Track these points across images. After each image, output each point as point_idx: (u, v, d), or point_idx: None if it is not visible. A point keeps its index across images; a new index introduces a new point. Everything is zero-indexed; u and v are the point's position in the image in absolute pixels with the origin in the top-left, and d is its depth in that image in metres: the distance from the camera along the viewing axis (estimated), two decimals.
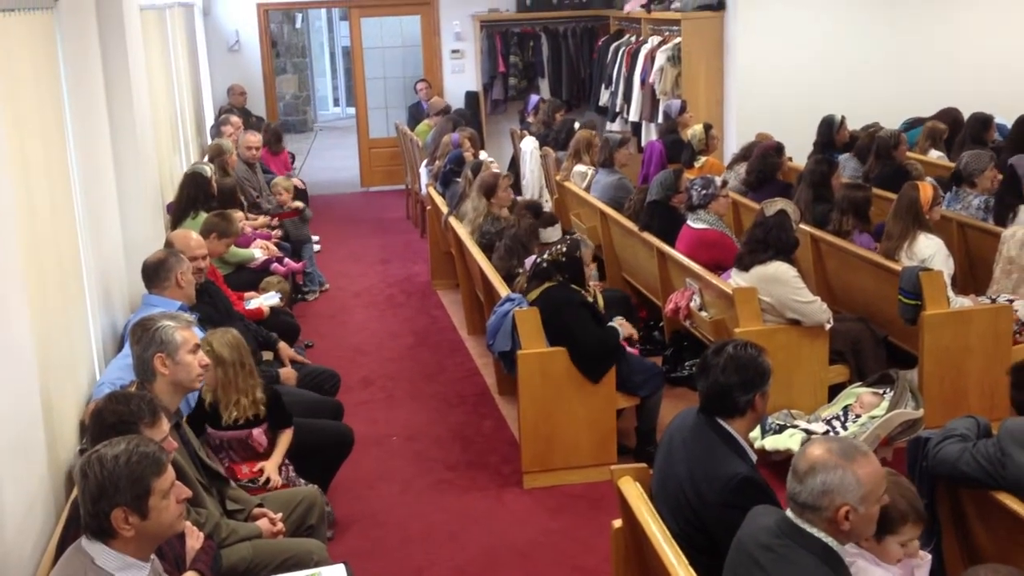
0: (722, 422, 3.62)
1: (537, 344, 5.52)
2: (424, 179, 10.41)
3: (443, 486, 5.70)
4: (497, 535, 5.17)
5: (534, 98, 12.53)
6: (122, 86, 6.06)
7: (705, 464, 3.54)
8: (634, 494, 3.61)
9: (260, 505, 4.16)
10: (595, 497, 5.42)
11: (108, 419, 3.39)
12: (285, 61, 20.97)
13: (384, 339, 8.15)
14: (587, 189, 8.87)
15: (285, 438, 4.75)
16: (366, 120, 14.49)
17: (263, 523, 4.03)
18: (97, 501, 2.81)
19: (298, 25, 21.72)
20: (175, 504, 2.93)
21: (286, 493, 4.45)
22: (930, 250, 6.08)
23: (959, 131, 9.17)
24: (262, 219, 8.87)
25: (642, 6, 12.33)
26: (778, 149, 8.39)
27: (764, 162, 8.20)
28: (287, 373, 5.76)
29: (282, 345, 6.19)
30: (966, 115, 9.28)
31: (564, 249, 5.73)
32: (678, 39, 11.20)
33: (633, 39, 12.49)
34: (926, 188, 6.29)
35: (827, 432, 5.27)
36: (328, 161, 17.26)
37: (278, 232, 8.71)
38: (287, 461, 4.74)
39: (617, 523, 3.76)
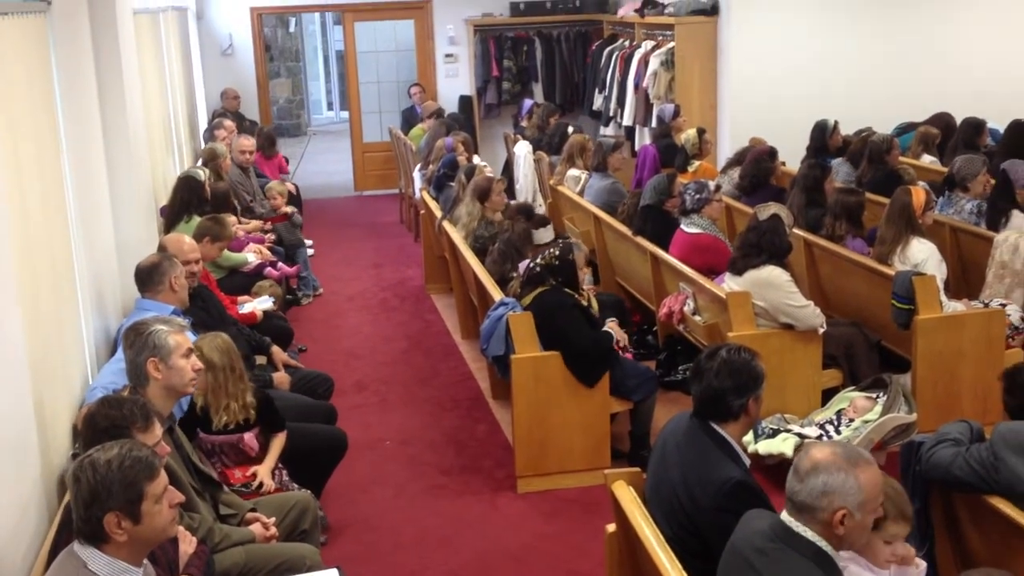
0: (716, 426, 3.62)
1: (531, 348, 5.52)
2: (418, 183, 10.41)
3: (437, 490, 5.69)
4: (491, 539, 5.17)
5: (528, 102, 12.54)
6: (115, 90, 6.05)
7: (699, 468, 3.54)
8: (628, 498, 3.61)
9: (253, 510, 4.15)
10: (589, 501, 5.42)
11: (101, 423, 3.39)
12: (279, 65, 20.97)
13: (378, 343, 8.14)
14: (581, 193, 8.87)
15: (278, 442, 4.74)
16: (360, 124, 14.49)
17: (256, 528, 4.02)
18: (90, 506, 2.81)
19: (292, 29, 21.72)
20: (168, 509, 2.92)
21: (279, 498, 4.44)
22: (923, 254, 6.09)
23: (951, 136, 9.20)
24: (255, 223, 8.86)
25: (636, 10, 12.36)
26: (771, 154, 8.41)
27: (757, 167, 8.22)
28: (280, 377, 5.74)
29: (275, 349, 6.18)
30: (958, 120, 9.30)
31: (557, 253, 5.73)
32: (671, 43, 11.22)
33: (627, 43, 12.52)
34: (919, 193, 6.31)
35: (820, 436, 5.27)
36: (321, 165, 17.26)
37: (271, 236, 8.71)
38: (280, 465, 4.73)
39: (611, 527, 3.76)
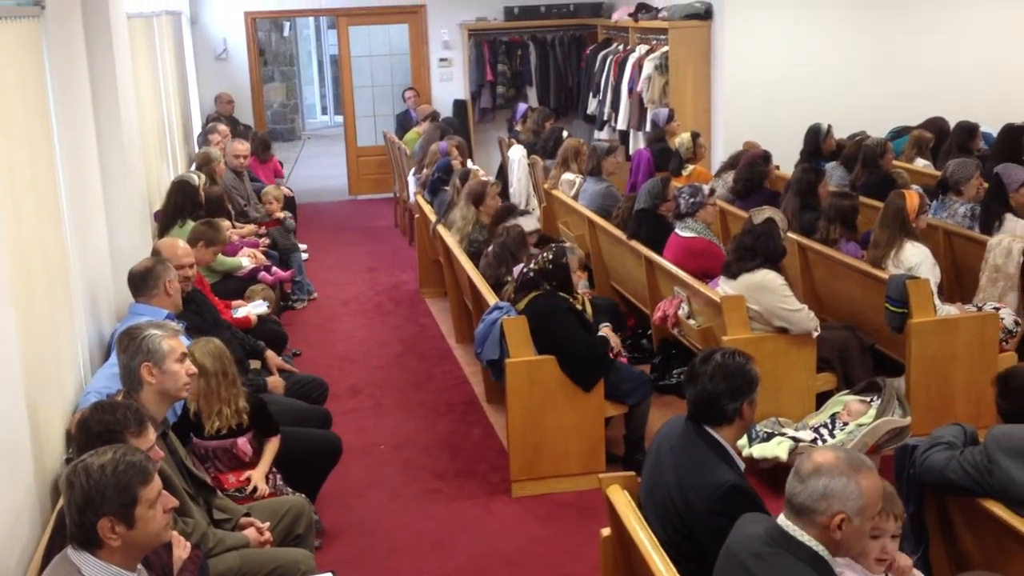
0: (710, 430, 3.62)
1: (525, 352, 5.52)
2: (412, 187, 10.41)
3: (431, 495, 5.68)
4: (485, 543, 5.16)
5: (522, 106, 12.55)
6: (109, 94, 6.04)
7: (693, 472, 3.54)
8: (622, 502, 3.61)
9: (247, 514, 4.14)
10: (584, 505, 5.42)
11: (94, 428, 3.38)
12: (273, 69, 20.97)
13: (372, 347, 8.14)
14: (575, 197, 8.88)
15: (272, 447, 4.73)
16: (354, 128, 14.49)
17: (250, 532, 4.01)
18: (83, 511, 2.80)
19: (286, 33, 21.73)
20: (162, 514, 2.91)
21: (273, 502, 4.43)
22: (916, 258, 6.10)
23: (945, 140, 9.21)
24: (249, 227, 8.86)
25: (630, 15, 12.38)
26: (765, 158, 8.43)
27: (751, 171, 8.23)
28: (275, 382, 5.74)
29: (269, 354, 6.18)
30: (952, 124, 9.33)
31: (550, 257, 5.73)
32: (665, 48, 11.23)
33: (621, 48, 12.53)
34: (912, 196, 6.32)
35: (814, 440, 5.28)
36: (316, 169, 17.25)
37: (266, 240, 8.71)
38: (275, 469, 4.72)
39: (605, 531, 3.76)
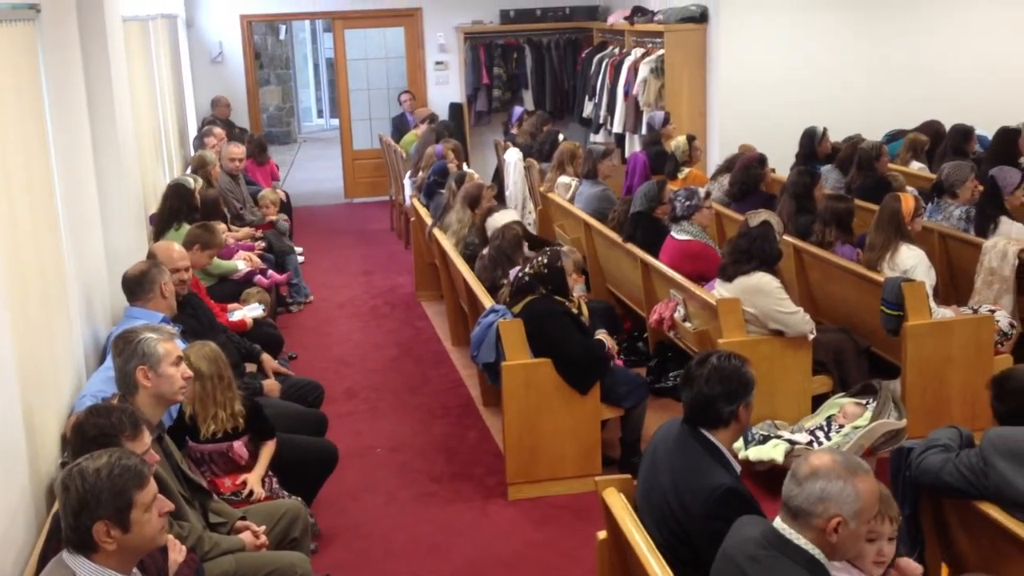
0: (706, 433, 3.62)
1: (521, 355, 5.52)
2: (408, 190, 10.41)
3: (427, 498, 5.68)
4: (481, 547, 5.16)
5: (518, 109, 12.56)
6: (104, 97, 6.04)
7: (689, 475, 3.54)
8: (618, 505, 3.61)
9: (243, 518, 4.14)
10: (580, 508, 5.41)
11: (89, 432, 3.37)
12: (269, 73, 20.97)
13: (368, 351, 8.13)
14: (571, 200, 8.88)
15: (268, 450, 4.73)
16: (350, 132, 14.48)
17: (246, 536, 4.01)
18: (78, 514, 2.79)
19: (282, 37, 21.73)
20: (157, 517, 2.91)
21: (269, 506, 4.43)
22: (912, 261, 6.11)
23: (940, 143, 9.24)
24: (245, 230, 8.86)
25: (625, 18, 12.39)
26: (761, 161, 8.44)
27: (747, 174, 8.24)
28: (271, 385, 5.73)
29: (265, 357, 6.18)
30: (947, 127, 9.34)
31: (545, 261, 5.73)
32: (661, 51, 11.25)
33: (616, 51, 12.55)
34: (908, 199, 6.33)
35: (810, 443, 5.28)
36: (312, 172, 17.25)
37: (261, 243, 8.70)
38: (271, 473, 4.72)
39: (602, 534, 3.76)
